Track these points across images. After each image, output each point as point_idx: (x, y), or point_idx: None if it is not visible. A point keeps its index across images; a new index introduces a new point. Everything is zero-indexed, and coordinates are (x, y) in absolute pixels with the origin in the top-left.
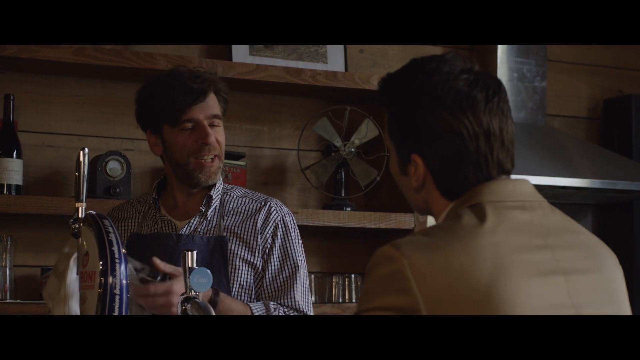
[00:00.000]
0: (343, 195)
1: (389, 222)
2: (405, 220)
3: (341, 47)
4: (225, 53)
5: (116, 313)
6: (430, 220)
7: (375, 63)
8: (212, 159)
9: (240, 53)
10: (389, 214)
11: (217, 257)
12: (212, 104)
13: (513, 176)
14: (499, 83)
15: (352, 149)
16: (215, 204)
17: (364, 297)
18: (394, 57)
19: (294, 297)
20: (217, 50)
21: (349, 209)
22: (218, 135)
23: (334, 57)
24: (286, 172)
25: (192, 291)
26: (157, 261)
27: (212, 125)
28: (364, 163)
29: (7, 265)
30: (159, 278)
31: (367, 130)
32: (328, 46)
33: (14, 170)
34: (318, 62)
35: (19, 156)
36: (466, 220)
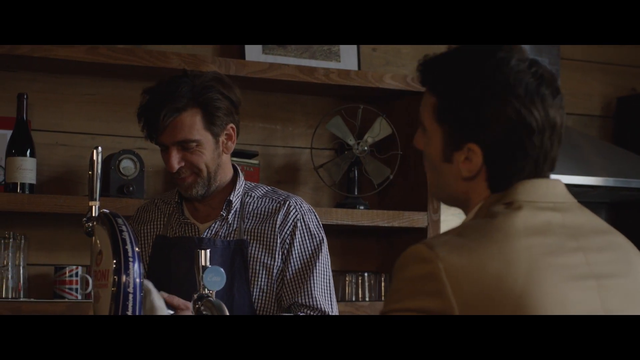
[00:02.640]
0: (356, 193)
1: (402, 220)
2: (418, 219)
3: (354, 46)
4: (238, 52)
5: (130, 312)
6: (444, 219)
7: (388, 62)
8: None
9: (253, 52)
10: (402, 213)
11: (237, 262)
12: (181, 129)
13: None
14: (554, 76)
15: (365, 148)
16: (235, 207)
17: (393, 296)
18: (406, 55)
19: (312, 294)
20: (230, 49)
21: (362, 207)
22: (192, 157)
23: (347, 56)
24: (299, 170)
25: (206, 289)
26: (165, 295)
27: (185, 148)
28: (377, 161)
29: (21, 264)
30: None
31: (380, 129)
32: (341, 45)
33: (28, 169)
34: (331, 60)
35: (32, 155)
36: (500, 220)
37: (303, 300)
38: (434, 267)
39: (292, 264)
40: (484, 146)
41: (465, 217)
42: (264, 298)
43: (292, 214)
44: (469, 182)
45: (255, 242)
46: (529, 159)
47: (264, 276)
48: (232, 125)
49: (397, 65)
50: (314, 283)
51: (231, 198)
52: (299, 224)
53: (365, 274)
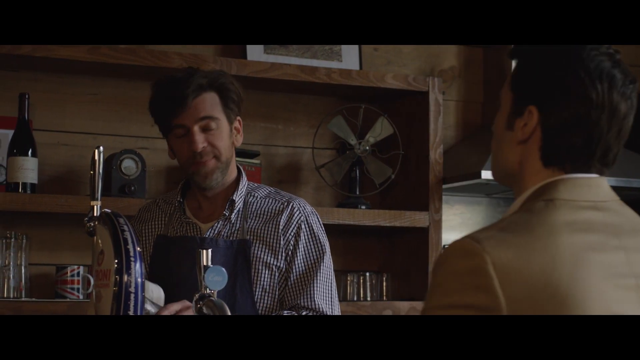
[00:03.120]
0: (358, 193)
1: (404, 220)
2: (419, 219)
3: (356, 45)
4: (240, 51)
5: (131, 311)
6: (446, 218)
7: (389, 61)
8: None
9: (255, 51)
10: (403, 212)
11: (240, 261)
12: (203, 107)
13: (582, 174)
14: (635, 78)
15: (367, 147)
16: (238, 207)
17: (436, 291)
18: (408, 55)
19: (313, 298)
20: (231, 49)
21: (363, 207)
22: (213, 138)
23: (349, 56)
24: (301, 170)
25: (207, 289)
26: (162, 311)
27: (206, 129)
28: (378, 161)
29: (23, 263)
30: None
31: (381, 129)
32: (342, 45)
33: (29, 169)
34: (332, 60)
35: (34, 155)
36: (541, 216)
37: (304, 303)
38: (481, 261)
39: (296, 267)
40: (542, 109)
41: (515, 197)
42: (266, 298)
43: (295, 215)
44: (524, 146)
45: (258, 242)
46: (581, 132)
47: (266, 276)
48: (239, 118)
49: (399, 65)
50: (316, 286)
51: (234, 197)
52: (303, 226)
53: (367, 274)
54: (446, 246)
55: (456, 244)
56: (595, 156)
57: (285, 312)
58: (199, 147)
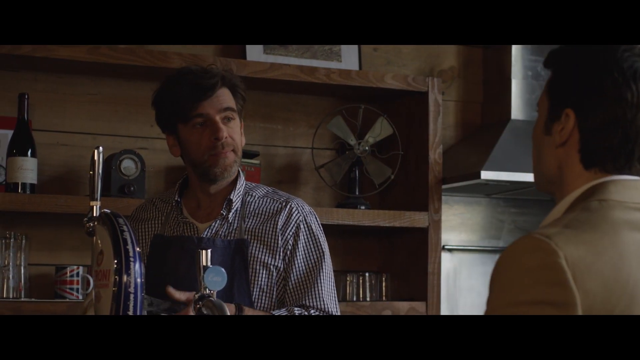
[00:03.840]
0: (357, 193)
1: (403, 220)
2: (419, 219)
3: (355, 46)
4: (240, 52)
5: (131, 312)
6: (445, 219)
7: (389, 61)
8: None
9: (255, 52)
10: (403, 213)
11: (238, 261)
12: (224, 98)
13: (629, 176)
14: None
15: (366, 148)
16: (236, 206)
17: (509, 288)
18: (407, 55)
19: (321, 297)
20: (231, 49)
21: (363, 207)
22: (232, 131)
23: (348, 56)
24: (300, 170)
25: (207, 289)
26: (171, 290)
27: (226, 120)
28: (378, 161)
29: (22, 263)
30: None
31: (381, 129)
32: (342, 45)
33: (29, 169)
34: (332, 60)
35: (33, 155)
36: (602, 214)
37: (311, 303)
38: (555, 256)
39: (297, 267)
40: (578, 111)
41: (557, 204)
42: (263, 298)
43: (294, 215)
44: (563, 149)
45: (255, 241)
46: (618, 132)
47: (264, 276)
48: (242, 121)
49: (398, 65)
50: (321, 285)
51: (232, 197)
52: (302, 226)
53: (367, 274)
54: (514, 243)
55: (525, 240)
56: (634, 155)
57: (297, 309)
58: (224, 135)
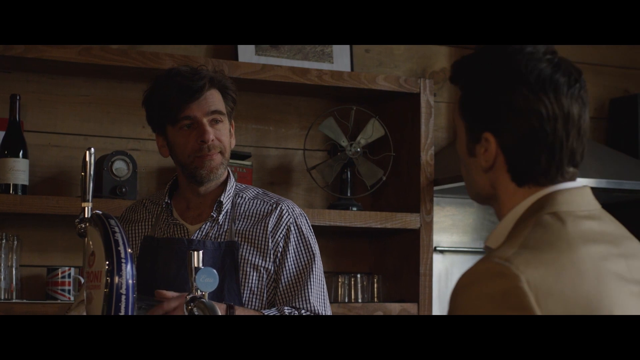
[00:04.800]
0: (349, 195)
1: (395, 222)
2: (411, 220)
3: (347, 47)
4: (232, 53)
5: (122, 313)
6: (437, 220)
7: (381, 63)
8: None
9: (247, 53)
10: (394, 214)
11: (228, 263)
12: (213, 101)
13: (571, 183)
14: (579, 72)
15: (358, 149)
16: (226, 208)
17: (471, 314)
18: (399, 56)
19: (309, 300)
20: (223, 50)
21: (355, 208)
22: (219, 133)
23: (340, 57)
24: (292, 171)
25: (198, 291)
26: (161, 293)
27: (213, 122)
28: (369, 163)
29: (13, 265)
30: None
31: (373, 130)
32: (334, 46)
33: (20, 170)
34: (324, 62)
35: (25, 156)
36: (556, 229)
37: (301, 305)
38: (516, 280)
39: (288, 269)
40: (497, 134)
41: (499, 218)
42: (254, 299)
43: (284, 217)
44: (490, 173)
45: (246, 243)
46: (542, 147)
47: (254, 278)
48: (232, 122)
49: (390, 67)
50: (311, 288)
51: (222, 199)
52: (292, 228)
53: (358, 275)
54: (473, 268)
55: (485, 265)
56: (564, 163)
57: (287, 309)
58: (211, 138)
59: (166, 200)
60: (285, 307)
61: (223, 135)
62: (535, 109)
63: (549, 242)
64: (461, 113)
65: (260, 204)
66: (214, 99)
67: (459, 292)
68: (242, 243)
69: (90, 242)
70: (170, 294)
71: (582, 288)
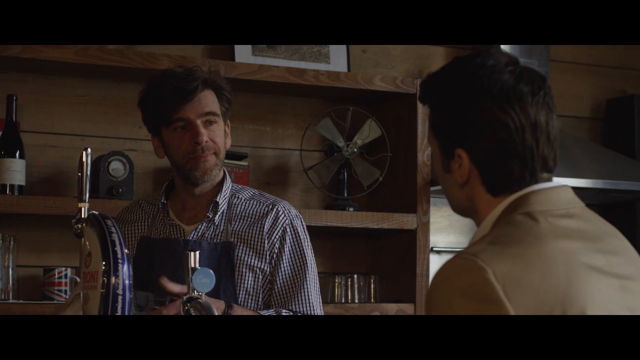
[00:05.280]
0: (345, 195)
1: (392, 222)
2: (407, 221)
3: (344, 47)
4: (228, 53)
5: (119, 313)
6: (434, 220)
7: (377, 63)
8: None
9: (243, 53)
10: (391, 214)
11: (224, 264)
12: (206, 102)
13: (548, 183)
14: (543, 78)
15: (355, 149)
16: (222, 209)
17: (443, 309)
18: (396, 57)
19: (309, 301)
20: (219, 51)
21: (351, 209)
22: (213, 134)
23: (337, 58)
24: (289, 172)
25: (195, 291)
26: (164, 281)
27: (207, 124)
28: (366, 163)
29: (10, 265)
30: (168, 299)
31: (369, 131)
32: (331, 46)
33: (17, 171)
34: (321, 62)
35: (21, 156)
36: (527, 226)
37: (297, 307)
38: (482, 273)
39: (283, 271)
40: (469, 150)
41: (478, 228)
42: (250, 300)
43: (281, 218)
44: (466, 187)
45: (242, 244)
46: (513, 158)
47: (250, 278)
48: (228, 121)
49: (387, 67)
50: (307, 289)
51: (218, 199)
52: (288, 229)
53: (355, 276)
54: (441, 265)
55: (453, 261)
56: (537, 170)
57: (283, 311)
58: (204, 140)
59: (162, 201)
60: (283, 310)
61: (217, 136)
62: (502, 121)
63: (517, 238)
64: (433, 131)
65: (256, 204)
66: (208, 100)
67: (432, 290)
68: (238, 244)
69: (87, 243)
70: (172, 285)
71: (551, 279)
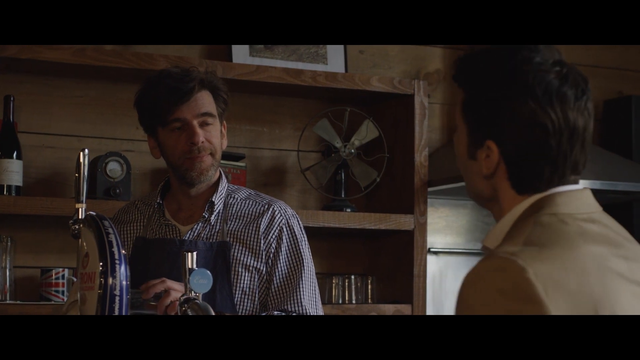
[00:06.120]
0: (343, 196)
1: (389, 223)
2: (405, 222)
3: (341, 48)
4: (226, 54)
5: (116, 314)
6: (431, 221)
7: (375, 64)
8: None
9: (241, 54)
10: (388, 215)
11: (220, 263)
12: (203, 103)
13: (573, 185)
14: (586, 81)
15: (352, 150)
16: (218, 209)
17: (480, 310)
18: (394, 57)
19: (301, 302)
20: (217, 51)
21: (348, 210)
22: (209, 135)
23: (334, 58)
24: (286, 173)
25: (192, 292)
26: (144, 286)
27: (203, 124)
28: (363, 164)
29: (7, 266)
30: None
31: (367, 131)
32: (328, 47)
33: (14, 171)
34: (318, 63)
35: (19, 157)
36: (557, 228)
37: (293, 307)
38: (524, 273)
39: (280, 270)
40: (501, 144)
41: (496, 220)
42: (246, 300)
43: (277, 218)
44: (491, 180)
45: (238, 244)
46: (546, 160)
47: (246, 278)
48: (224, 122)
49: (384, 68)
50: (302, 290)
51: (214, 199)
52: (284, 229)
53: (352, 277)
54: (479, 265)
55: (491, 261)
56: (566, 174)
57: (276, 312)
58: (200, 140)
59: (158, 201)
60: (275, 312)
61: (213, 136)
62: (541, 122)
63: (552, 240)
64: (464, 116)
65: (252, 204)
66: (204, 101)
67: (467, 289)
68: (234, 243)
69: (84, 243)
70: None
71: (587, 285)
